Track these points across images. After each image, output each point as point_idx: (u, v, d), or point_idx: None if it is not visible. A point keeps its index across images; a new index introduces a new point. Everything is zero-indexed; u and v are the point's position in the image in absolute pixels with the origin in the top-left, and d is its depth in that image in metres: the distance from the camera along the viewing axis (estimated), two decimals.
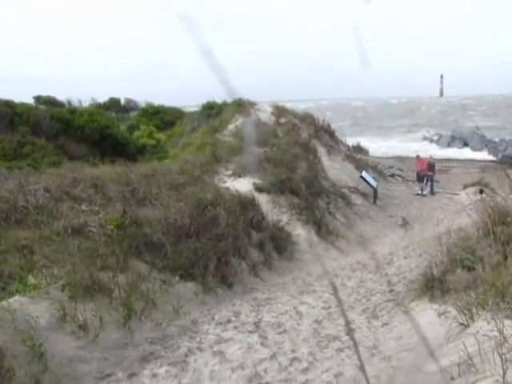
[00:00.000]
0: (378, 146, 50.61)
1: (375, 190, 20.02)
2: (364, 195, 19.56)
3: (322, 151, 21.65)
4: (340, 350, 5.56)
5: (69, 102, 33.97)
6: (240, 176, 15.23)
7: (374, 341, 5.63)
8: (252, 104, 24.33)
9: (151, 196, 10.27)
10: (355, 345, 5.91)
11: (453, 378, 3.63)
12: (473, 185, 22.85)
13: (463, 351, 3.73)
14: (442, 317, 5.26)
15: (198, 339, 6.15)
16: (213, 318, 7.11)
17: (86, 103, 35.08)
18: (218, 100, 26.78)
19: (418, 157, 26.21)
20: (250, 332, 6.42)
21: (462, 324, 4.58)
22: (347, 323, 6.59)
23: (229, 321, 6.96)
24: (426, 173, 24.34)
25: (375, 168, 26.72)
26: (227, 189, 12.92)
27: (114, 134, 22.57)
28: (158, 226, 8.86)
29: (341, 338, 5.95)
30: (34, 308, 5.50)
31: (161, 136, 27.25)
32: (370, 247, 14.42)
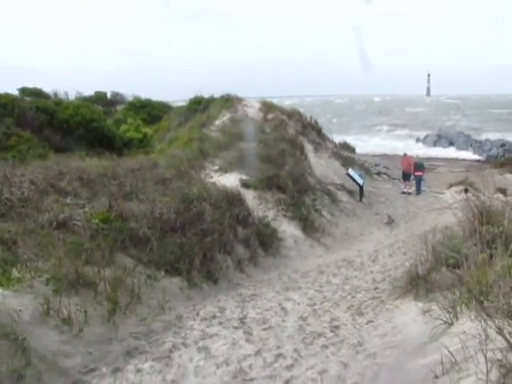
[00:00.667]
0: (364, 144, 50.93)
1: (361, 187, 20.11)
2: (350, 192, 19.65)
3: (309, 148, 21.70)
4: (325, 346, 5.57)
5: (55, 94, 33.63)
6: (227, 171, 15.23)
7: (359, 338, 5.65)
8: (239, 99, 24.31)
9: (137, 190, 10.22)
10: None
11: (436, 376, 3.65)
12: (458, 184, 23.09)
13: (447, 349, 3.76)
14: (427, 315, 5.29)
15: (183, 335, 6.13)
16: (198, 314, 7.09)
17: (72, 96, 34.78)
18: (206, 95, 26.72)
19: (404, 155, 26.37)
20: (235, 328, 6.42)
21: (446, 322, 4.62)
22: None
23: (214, 316, 6.95)
24: (411, 172, 24.51)
25: (362, 165, 26.83)
26: (214, 184, 12.91)
27: (100, 127, 22.43)
28: (143, 220, 8.82)
29: (326, 335, 5.97)
30: (17, 302, 5.43)
31: (147, 130, 27.12)
32: (356, 244, 14.48)
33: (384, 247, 13.18)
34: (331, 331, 6.11)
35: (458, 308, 4.65)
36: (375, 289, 8.31)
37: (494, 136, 56.62)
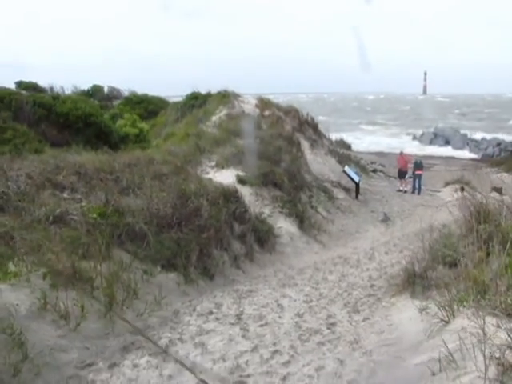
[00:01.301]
0: (360, 142, 51.05)
1: (357, 184, 20.17)
2: (346, 190, 19.69)
3: (305, 145, 21.72)
4: (321, 343, 5.57)
5: (51, 89, 33.55)
6: (223, 167, 15.22)
7: (355, 335, 5.66)
8: (236, 96, 24.28)
9: (134, 185, 10.18)
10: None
11: (434, 374, 3.66)
12: (454, 182, 23.16)
13: (444, 347, 3.77)
14: (423, 313, 5.31)
15: (180, 330, 6.13)
16: (194, 310, 7.08)
17: (68, 90, 34.70)
18: (203, 90, 26.70)
19: (401, 153, 26.44)
20: (232, 324, 6.42)
21: (442, 320, 4.63)
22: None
23: (210, 312, 6.95)
24: (407, 170, 24.58)
25: (358, 163, 26.90)
26: (210, 180, 12.89)
27: (98, 122, 22.30)
28: (140, 215, 8.80)
29: (322, 332, 5.98)
30: (14, 296, 5.43)
31: (144, 125, 27.01)
32: (352, 242, 14.51)
33: (380, 244, 13.20)
34: (328, 328, 6.11)
35: (455, 306, 4.66)
36: (371, 286, 8.33)
37: (489, 135, 56.75)
